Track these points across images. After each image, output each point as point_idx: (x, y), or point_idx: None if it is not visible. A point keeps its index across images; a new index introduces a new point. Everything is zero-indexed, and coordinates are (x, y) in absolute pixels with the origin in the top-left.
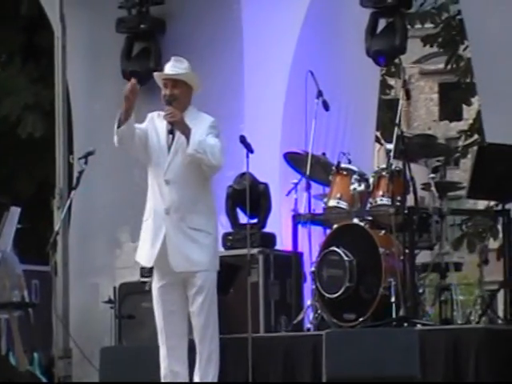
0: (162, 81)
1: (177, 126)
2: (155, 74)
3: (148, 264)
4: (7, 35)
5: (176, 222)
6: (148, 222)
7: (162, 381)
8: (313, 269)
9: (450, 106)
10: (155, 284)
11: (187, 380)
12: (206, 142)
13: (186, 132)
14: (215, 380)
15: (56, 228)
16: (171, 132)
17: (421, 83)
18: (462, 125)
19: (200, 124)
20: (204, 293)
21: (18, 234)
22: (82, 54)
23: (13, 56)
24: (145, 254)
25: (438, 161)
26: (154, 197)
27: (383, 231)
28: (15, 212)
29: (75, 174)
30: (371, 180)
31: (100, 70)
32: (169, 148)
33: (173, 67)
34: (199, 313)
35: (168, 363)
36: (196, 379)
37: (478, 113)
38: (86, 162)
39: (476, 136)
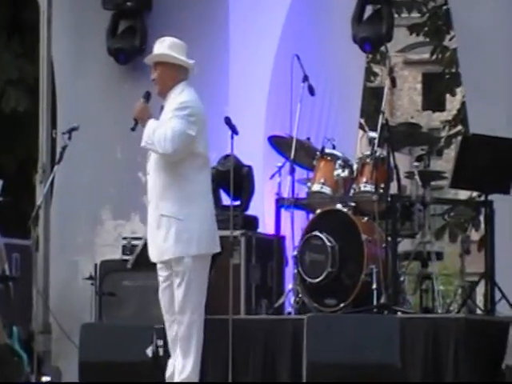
0: None
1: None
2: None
3: (154, 260)
4: None
5: (153, 211)
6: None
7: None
8: (295, 253)
9: (434, 97)
10: None
11: None
12: (154, 133)
13: (144, 125)
14: (197, 364)
15: (38, 202)
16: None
17: (404, 72)
18: (445, 115)
19: (170, 105)
20: (179, 277)
21: None
22: (68, 30)
23: None
24: (149, 252)
25: (422, 149)
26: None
27: (366, 218)
28: None
29: (58, 149)
30: (355, 166)
31: (85, 47)
32: None
33: (154, 51)
34: (177, 296)
35: (168, 334)
36: (177, 362)
37: (463, 103)
38: (69, 138)
39: (460, 127)
